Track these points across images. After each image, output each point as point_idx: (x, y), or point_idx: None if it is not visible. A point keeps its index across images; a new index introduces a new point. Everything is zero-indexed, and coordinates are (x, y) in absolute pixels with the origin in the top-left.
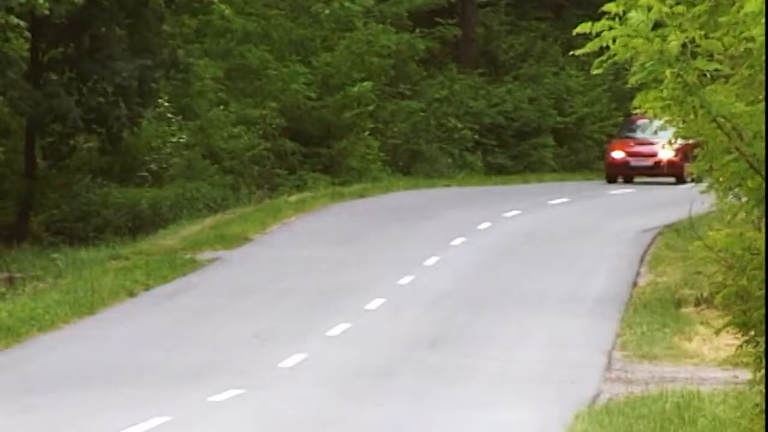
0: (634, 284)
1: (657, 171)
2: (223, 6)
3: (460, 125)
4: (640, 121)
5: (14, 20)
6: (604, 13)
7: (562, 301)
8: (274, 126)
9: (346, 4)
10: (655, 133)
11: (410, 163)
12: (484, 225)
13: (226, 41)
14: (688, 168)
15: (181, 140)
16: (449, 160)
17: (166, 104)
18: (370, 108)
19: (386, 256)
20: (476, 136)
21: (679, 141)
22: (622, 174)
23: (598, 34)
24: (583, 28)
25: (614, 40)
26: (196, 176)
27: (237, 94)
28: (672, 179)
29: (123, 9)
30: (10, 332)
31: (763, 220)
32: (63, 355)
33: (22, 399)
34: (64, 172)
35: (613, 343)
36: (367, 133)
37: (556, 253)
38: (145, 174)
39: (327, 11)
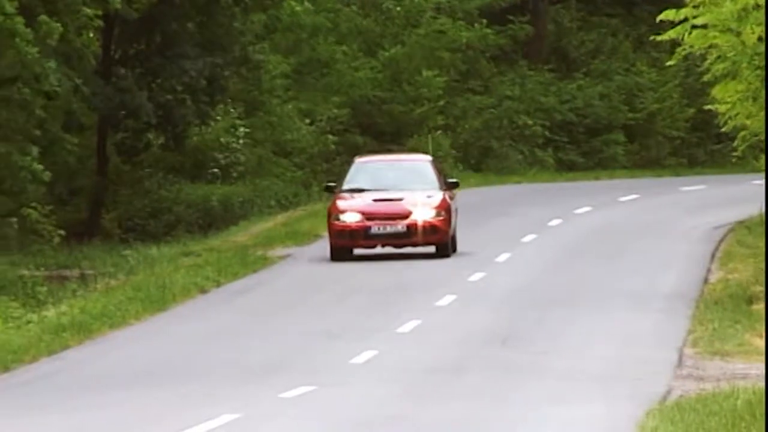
0: (705, 281)
1: (411, 239)
2: (293, 2)
3: (530, 122)
4: (380, 163)
5: (89, 12)
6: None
7: (633, 298)
8: (341, 121)
9: (418, 1)
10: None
11: (481, 159)
12: (555, 222)
13: (295, 36)
14: (452, 231)
15: (249, 137)
16: (520, 157)
17: (232, 100)
18: (441, 104)
19: (457, 252)
20: (547, 133)
21: (441, 195)
22: (357, 245)
23: (680, 22)
24: (667, 15)
25: (690, 32)
26: (266, 173)
27: (306, 89)
28: (431, 248)
29: (194, 6)
30: (82, 328)
31: None
32: (134, 352)
33: (93, 395)
34: (137, 169)
35: (685, 340)
36: (438, 129)
37: (627, 249)
38: (216, 171)
39: (398, 8)
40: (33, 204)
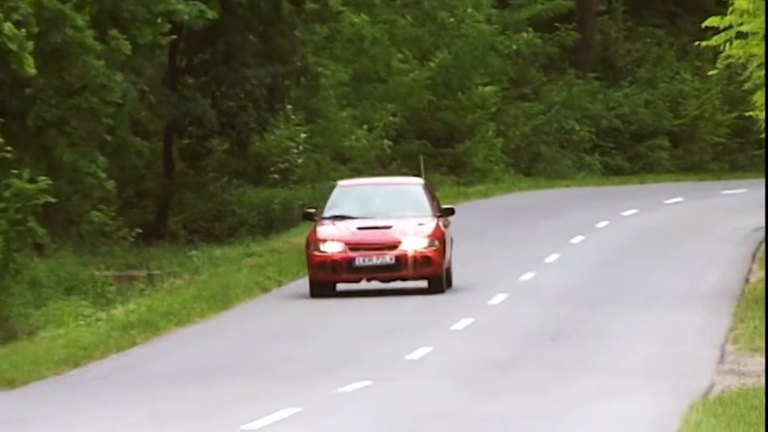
0: (746, 281)
1: (400, 272)
2: (352, 14)
3: (578, 128)
4: (365, 188)
5: (162, 25)
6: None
7: (677, 297)
8: (396, 127)
9: (469, 10)
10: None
11: (531, 164)
12: (603, 223)
13: (354, 46)
14: (447, 263)
15: (308, 143)
16: (568, 162)
17: (293, 107)
18: (492, 110)
19: (508, 253)
20: (594, 138)
21: (435, 222)
22: (339, 279)
23: (725, 29)
24: (712, 21)
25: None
26: (324, 177)
27: (363, 97)
28: (423, 283)
29: (257, 17)
30: (149, 326)
31: None
32: (199, 349)
33: (160, 389)
34: (201, 174)
35: (726, 337)
36: (490, 134)
37: (672, 250)
38: (276, 175)
39: (451, 18)
40: (101, 207)
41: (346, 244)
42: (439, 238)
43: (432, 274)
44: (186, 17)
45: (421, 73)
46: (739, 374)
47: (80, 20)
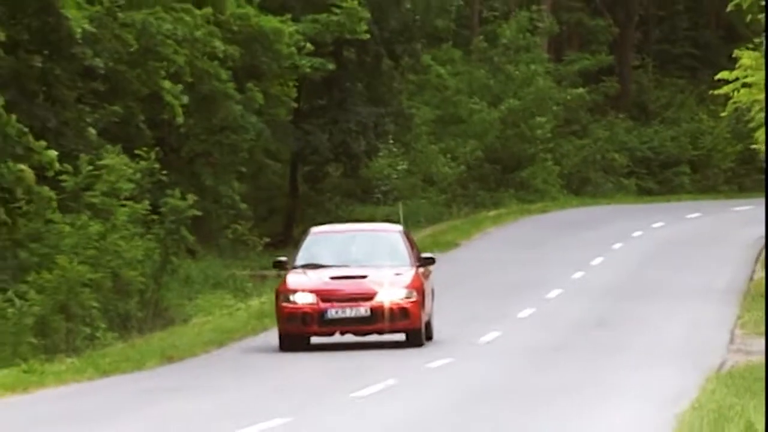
0: (751, 279)
1: (375, 324)
2: (438, 68)
3: (617, 157)
4: (339, 235)
5: (290, 77)
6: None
7: (697, 292)
8: (474, 157)
9: (533, 66)
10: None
11: (580, 186)
12: (637, 233)
13: (439, 93)
14: (427, 316)
15: (404, 170)
16: (610, 185)
17: (393, 141)
18: (550, 145)
19: (562, 257)
20: (630, 166)
21: (413, 272)
22: (310, 332)
23: (734, 80)
24: (723, 75)
25: (739, 89)
26: (417, 196)
27: (446, 133)
28: (400, 336)
29: (363, 71)
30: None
31: None
32: None
33: (287, 364)
34: (319, 194)
35: (735, 323)
36: (548, 163)
37: (693, 254)
38: (379, 195)
39: (516, 72)
40: (240, 222)
41: (318, 294)
42: (417, 288)
43: (410, 328)
44: (308, 70)
45: (492, 114)
46: (746, 353)
47: (224, 75)
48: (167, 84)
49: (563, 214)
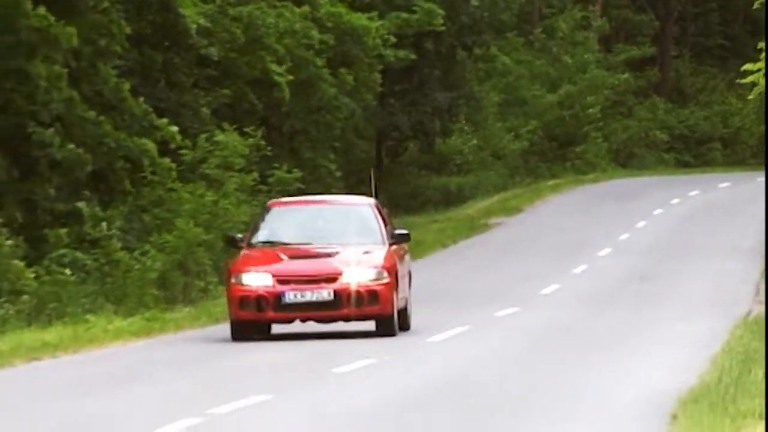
0: None
1: (340, 310)
2: (504, 57)
3: (659, 135)
4: (302, 208)
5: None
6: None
7: (727, 250)
8: (535, 135)
9: (586, 55)
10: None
11: (626, 160)
12: (675, 200)
13: (505, 79)
14: (402, 301)
15: (475, 145)
16: (652, 158)
17: (465, 121)
18: (600, 124)
19: (610, 221)
20: (669, 142)
21: (385, 250)
22: (265, 318)
23: (758, 70)
24: (748, 67)
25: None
26: (486, 168)
27: (510, 114)
28: (369, 323)
29: (439, 60)
30: None
31: None
32: None
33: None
34: (400, 166)
35: (759, 277)
36: (599, 140)
37: (723, 218)
38: (453, 168)
39: (570, 60)
40: (333, 191)
41: (275, 275)
42: (389, 269)
43: (380, 314)
44: (392, 59)
45: (550, 97)
46: None
47: (319, 62)
48: (274, 66)
49: (611, 184)
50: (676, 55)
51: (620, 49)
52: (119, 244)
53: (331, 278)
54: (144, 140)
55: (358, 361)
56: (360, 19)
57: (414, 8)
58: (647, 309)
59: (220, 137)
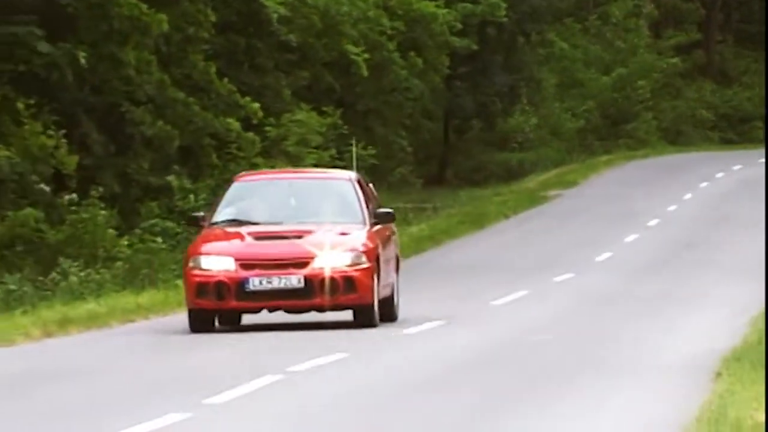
0: None
1: (311, 299)
2: (561, 42)
3: (705, 114)
4: (272, 182)
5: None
6: None
7: None
8: (590, 114)
9: (637, 40)
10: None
11: (675, 137)
12: (720, 174)
13: (561, 63)
14: (386, 289)
15: (534, 123)
16: (698, 136)
17: (525, 102)
18: (650, 104)
19: (659, 193)
20: (714, 120)
21: (366, 231)
22: (227, 307)
23: None
24: None
25: None
26: (545, 145)
27: (568, 95)
28: (346, 312)
29: (501, 45)
30: (433, 239)
31: None
32: (464, 253)
33: (442, 278)
34: (466, 143)
35: None
36: (650, 118)
37: (761, 192)
38: (515, 145)
39: (623, 45)
40: (404, 165)
41: (238, 259)
42: (369, 252)
43: (357, 303)
44: (457, 45)
45: (604, 79)
46: None
47: (391, 46)
48: (350, 47)
49: (661, 160)
50: (720, 40)
51: (669, 34)
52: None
53: (302, 263)
54: (229, 119)
55: (426, 323)
56: (428, 6)
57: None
58: (693, 275)
59: (299, 116)
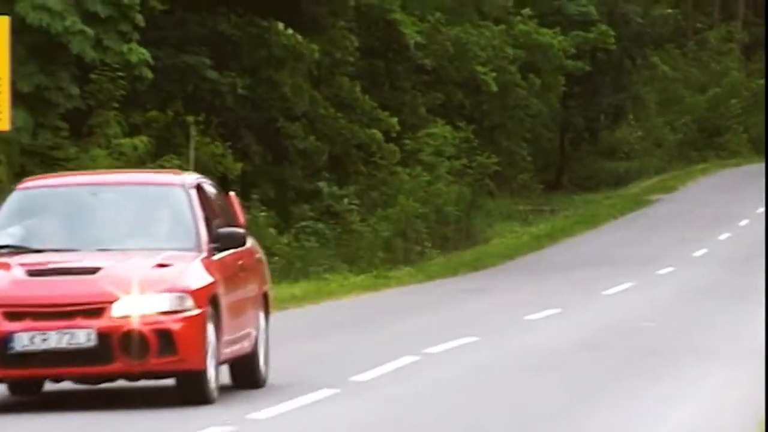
0: None
1: (107, 363)
2: (663, 65)
3: None
4: (69, 190)
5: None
6: None
7: None
8: (689, 128)
9: (728, 63)
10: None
11: (764, 148)
12: None
13: (662, 83)
14: (235, 347)
15: (639, 136)
16: None
17: (631, 117)
18: (741, 119)
19: (749, 197)
20: None
21: (198, 261)
22: None
23: None
24: None
25: None
26: (648, 155)
27: (667, 110)
28: (162, 379)
29: (610, 67)
30: (552, 238)
31: None
32: (577, 250)
33: (556, 272)
34: (581, 153)
35: None
36: (741, 131)
37: None
38: (622, 155)
39: (718, 67)
40: (525, 173)
41: (2, 304)
42: (200, 294)
43: (179, 368)
44: (571, 67)
45: (700, 98)
46: None
47: (513, 69)
48: (479, 67)
49: (750, 168)
50: None
51: (758, 57)
52: (358, 217)
53: (95, 309)
54: (373, 130)
55: (545, 311)
56: (545, 35)
57: (591, 29)
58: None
59: (433, 129)
